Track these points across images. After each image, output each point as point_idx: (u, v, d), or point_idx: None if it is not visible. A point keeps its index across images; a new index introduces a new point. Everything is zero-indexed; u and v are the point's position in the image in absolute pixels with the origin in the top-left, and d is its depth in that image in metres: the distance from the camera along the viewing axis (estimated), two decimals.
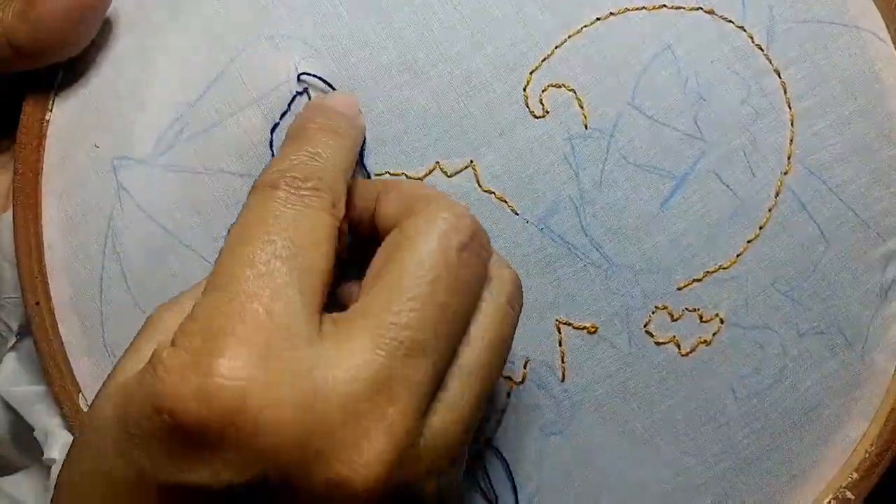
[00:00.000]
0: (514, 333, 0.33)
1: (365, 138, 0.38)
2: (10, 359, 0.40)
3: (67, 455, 0.31)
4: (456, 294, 0.30)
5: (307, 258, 0.30)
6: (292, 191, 0.31)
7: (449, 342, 0.30)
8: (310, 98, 0.38)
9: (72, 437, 0.39)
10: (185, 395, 0.27)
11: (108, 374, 0.31)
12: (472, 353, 0.31)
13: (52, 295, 0.39)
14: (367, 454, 0.28)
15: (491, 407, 0.39)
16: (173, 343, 0.29)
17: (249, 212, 0.31)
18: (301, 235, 0.30)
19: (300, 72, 0.38)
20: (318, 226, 0.31)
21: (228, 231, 0.31)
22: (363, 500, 0.28)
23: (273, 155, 0.38)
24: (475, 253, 0.31)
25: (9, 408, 0.40)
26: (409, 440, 0.29)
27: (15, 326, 0.40)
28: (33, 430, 0.39)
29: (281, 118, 0.38)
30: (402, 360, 0.29)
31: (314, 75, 0.38)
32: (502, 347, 0.33)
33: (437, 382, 0.30)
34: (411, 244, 0.31)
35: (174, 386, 0.27)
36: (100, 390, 0.31)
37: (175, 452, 0.28)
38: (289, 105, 0.38)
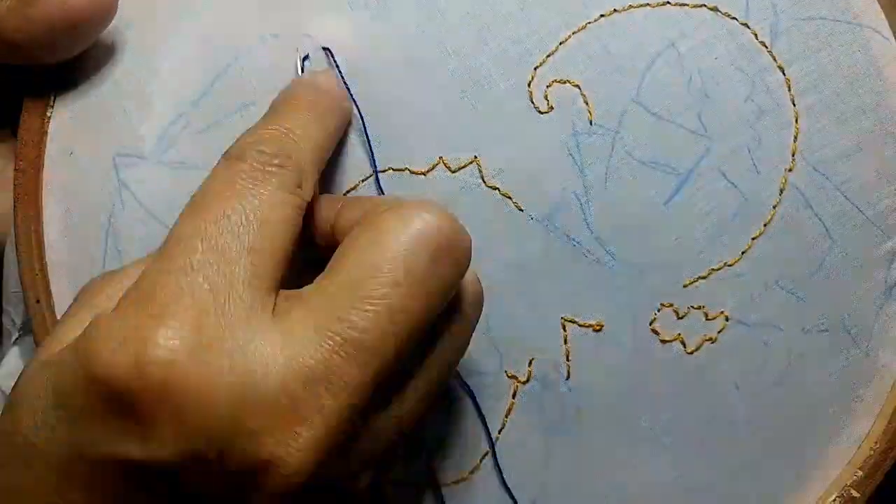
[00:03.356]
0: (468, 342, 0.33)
1: (369, 137, 0.38)
2: (14, 354, 0.40)
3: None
4: (418, 302, 0.29)
5: (262, 237, 0.29)
6: (257, 165, 0.31)
7: (400, 350, 0.29)
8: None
9: None
10: (120, 363, 0.27)
11: (42, 343, 0.31)
12: (429, 367, 0.31)
13: (52, 293, 0.38)
14: (301, 439, 0.28)
15: (496, 407, 0.39)
16: (115, 310, 0.29)
17: (212, 182, 0.31)
18: (259, 213, 0.30)
19: (302, 69, 0.37)
20: (277, 204, 0.30)
21: (191, 198, 0.31)
22: (291, 483, 0.28)
23: None
24: (451, 263, 0.30)
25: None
26: (344, 435, 0.29)
27: (19, 322, 0.40)
28: None
29: None
30: (345, 357, 0.28)
31: (330, 53, 0.37)
32: (457, 362, 0.33)
33: (386, 385, 0.30)
34: (381, 239, 0.30)
35: (110, 354, 0.27)
36: (33, 359, 0.30)
37: (107, 424, 0.27)
38: None
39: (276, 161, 0.31)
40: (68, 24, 0.35)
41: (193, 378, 0.27)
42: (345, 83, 0.37)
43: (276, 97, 0.35)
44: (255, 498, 0.28)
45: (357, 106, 0.37)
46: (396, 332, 0.29)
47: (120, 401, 0.27)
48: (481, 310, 0.33)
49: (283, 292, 0.30)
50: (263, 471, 0.28)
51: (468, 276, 0.32)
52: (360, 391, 0.28)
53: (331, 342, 0.28)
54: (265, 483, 0.28)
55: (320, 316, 0.29)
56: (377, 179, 0.38)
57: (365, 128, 0.37)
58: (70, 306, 0.32)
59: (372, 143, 0.38)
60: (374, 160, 0.38)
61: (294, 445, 0.28)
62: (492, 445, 0.39)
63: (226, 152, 0.32)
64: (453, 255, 0.30)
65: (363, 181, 0.38)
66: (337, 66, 0.37)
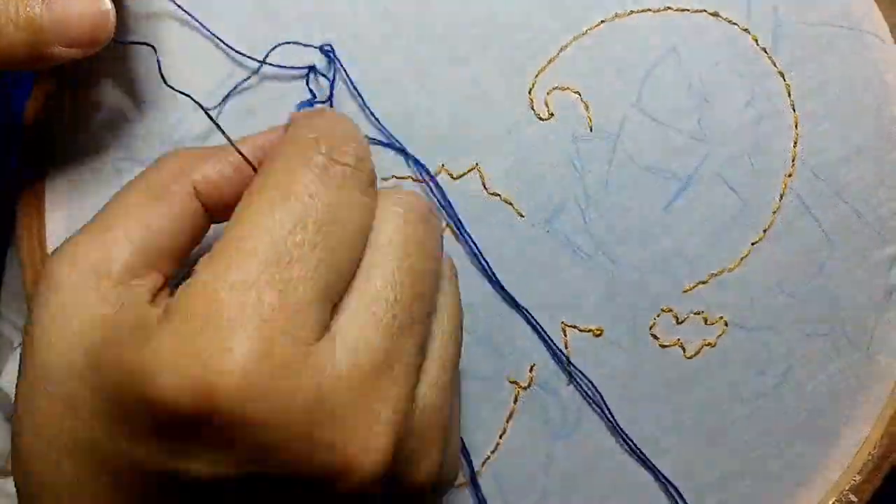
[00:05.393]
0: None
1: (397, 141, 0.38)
2: (17, 360, 0.40)
3: (19, 399, 0.29)
4: (428, 262, 0.30)
5: (337, 250, 0.28)
6: (330, 164, 0.29)
7: (427, 311, 0.30)
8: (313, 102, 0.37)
9: None
10: (186, 390, 0.25)
11: (63, 248, 0.30)
12: (442, 322, 0.31)
13: None
14: (376, 438, 0.27)
15: (498, 412, 0.39)
16: (167, 316, 0.26)
17: (283, 177, 0.28)
18: (337, 225, 0.28)
19: (307, 78, 0.37)
20: (356, 214, 0.29)
21: (249, 193, 0.28)
22: (371, 483, 0.27)
23: None
24: (435, 225, 0.32)
25: (9, 409, 0.40)
26: (408, 416, 0.28)
27: (21, 324, 0.40)
28: None
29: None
30: (396, 337, 0.28)
31: (333, 54, 0.37)
32: (460, 317, 0.33)
33: (422, 354, 0.30)
34: (383, 225, 0.30)
35: (174, 380, 0.25)
36: (41, 298, 0.29)
37: (169, 443, 0.26)
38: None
39: (349, 159, 0.29)
40: (68, 50, 0.33)
41: (266, 402, 0.26)
42: (351, 83, 0.37)
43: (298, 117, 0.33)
44: (332, 502, 0.27)
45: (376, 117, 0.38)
46: (422, 293, 0.29)
47: (186, 425, 0.26)
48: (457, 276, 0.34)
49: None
50: (343, 475, 0.27)
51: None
52: (411, 366, 0.28)
53: (382, 327, 0.28)
54: (344, 486, 0.27)
55: (364, 304, 0.28)
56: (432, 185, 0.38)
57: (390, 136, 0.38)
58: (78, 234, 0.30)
59: (373, 149, 0.38)
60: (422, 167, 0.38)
61: (371, 446, 0.27)
62: (493, 450, 0.39)
63: (286, 139, 0.30)
64: (434, 217, 0.32)
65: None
66: (342, 66, 0.37)
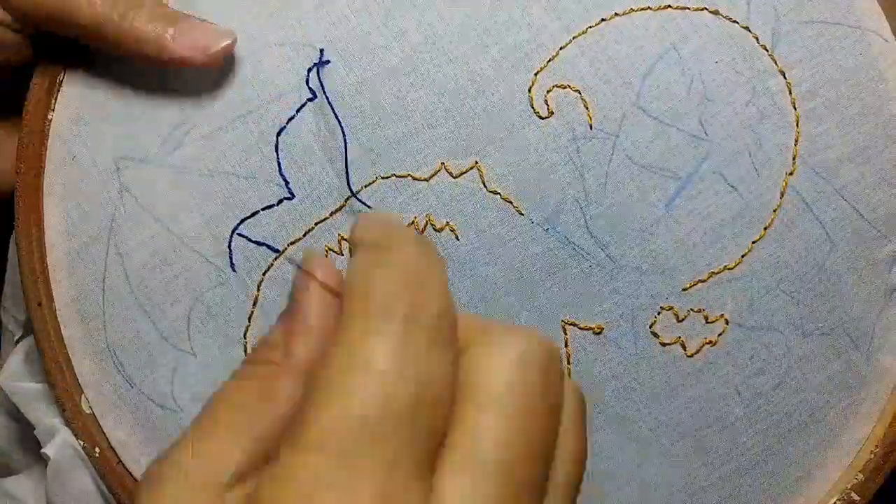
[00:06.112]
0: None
1: (347, 156, 0.37)
2: (18, 353, 0.40)
3: None
4: (547, 420, 0.26)
5: (426, 424, 0.24)
6: (410, 329, 0.25)
7: (544, 472, 0.26)
8: (317, 96, 0.37)
9: (72, 435, 0.38)
10: None
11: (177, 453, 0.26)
12: (560, 485, 0.27)
13: (54, 296, 0.38)
14: None
15: None
16: None
17: (359, 351, 0.24)
18: (423, 398, 0.24)
19: (308, 77, 0.37)
20: (437, 370, 0.25)
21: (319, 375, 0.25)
22: None
23: (279, 160, 0.38)
24: (557, 371, 0.27)
25: (11, 406, 0.40)
26: None
27: (22, 319, 0.40)
28: (34, 427, 0.39)
29: (288, 122, 0.38)
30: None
31: (323, 89, 0.37)
32: (583, 463, 0.28)
33: None
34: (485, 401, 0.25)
35: None
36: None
37: None
38: (297, 111, 0.38)
39: (431, 320, 0.25)
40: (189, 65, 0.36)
41: None
42: (324, 91, 0.37)
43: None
44: None
45: (339, 122, 0.37)
46: (538, 454, 0.25)
47: None
48: (584, 405, 0.30)
49: None
50: None
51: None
52: None
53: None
54: None
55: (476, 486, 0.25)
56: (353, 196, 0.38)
57: (346, 147, 0.37)
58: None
59: (374, 149, 0.38)
60: (350, 187, 0.38)
61: None
62: None
63: (356, 297, 0.25)
64: (554, 365, 0.27)
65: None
66: (320, 67, 0.37)
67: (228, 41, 0.37)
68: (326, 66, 0.38)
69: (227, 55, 0.37)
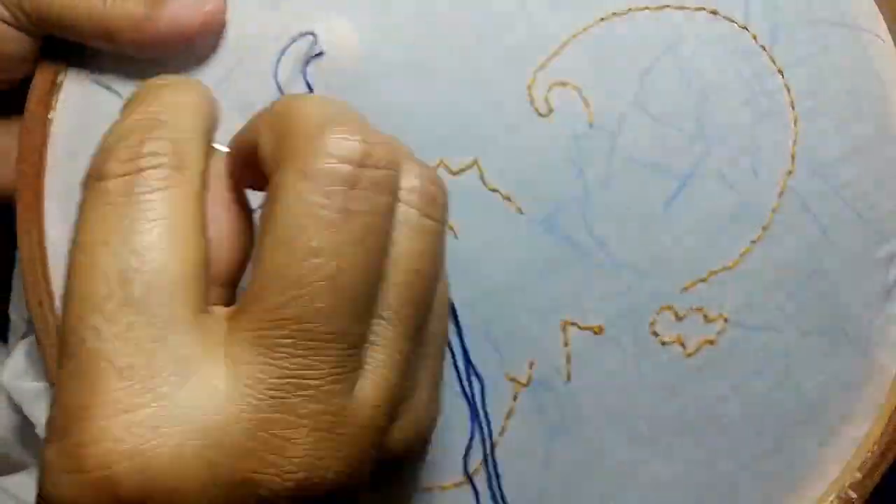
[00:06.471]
0: (441, 250, 0.28)
1: None
2: (20, 351, 0.40)
3: None
4: (353, 253, 0.25)
5: (162, 272, 0.25)
6: (119, 175, 0.26)
7: (356, 311, 0.25)
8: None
9: None
10: (67, 499, 0.23)
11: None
12: (391, 301, 0.26)
13: (55, 296, 0.38)
14: (292, 461, 0.24)
15: (497, 410, 0.39)
16: (48, 436, 0.25)
17: (81, 224, 0.26)
18: (138, 239, 0.25)
19: (305, 72, 0.37)
20: (157, 216, 0.25)
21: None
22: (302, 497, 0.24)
23: None
24: (372, 187, 0.25)
25: (13, 405, 0.40)
26: (332, 427, 0.25)
27: (27, 315, 0.40)
28: (35, 427, 0.39)
29: None
30: (301, 357, 0.24)
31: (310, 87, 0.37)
32: (429, 278, 0.27)
33: (355, 350, 0.25)
34: (280, 206, 0.25)
35: (57, 490, 0.24)
36: None
37: None
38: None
39: (140, 162, 0.26)
40: (180, 41, 0.35)
41: (149, 479, 0.23)
42: (305, 79, 0.37)
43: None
44: None
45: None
46: (342, 297, 0.25)
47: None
48: (441, 191, 0.29)
49: (216, 310, 0.26)
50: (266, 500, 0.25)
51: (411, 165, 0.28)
52: (330, 377, 0.24)
53: (279, 350, 0.24)
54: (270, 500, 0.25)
55: (256, 323, 0.24)
56: None
57: None
58: None
59: None
60: None
61: (287, 469, 0.24)
62: (491, 448, 0.39)
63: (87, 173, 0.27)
64: (368, 178, 0.25)
65: None
66: (314, 60, 0.37)
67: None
68: (321, 58, 0.38)
69: (220, 14, 0.36)
